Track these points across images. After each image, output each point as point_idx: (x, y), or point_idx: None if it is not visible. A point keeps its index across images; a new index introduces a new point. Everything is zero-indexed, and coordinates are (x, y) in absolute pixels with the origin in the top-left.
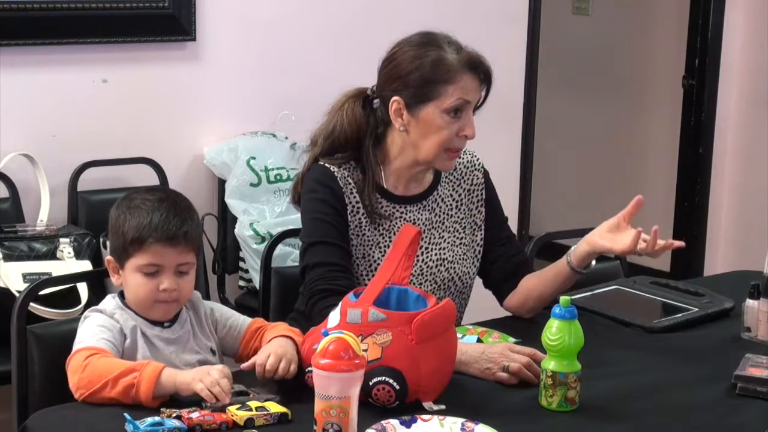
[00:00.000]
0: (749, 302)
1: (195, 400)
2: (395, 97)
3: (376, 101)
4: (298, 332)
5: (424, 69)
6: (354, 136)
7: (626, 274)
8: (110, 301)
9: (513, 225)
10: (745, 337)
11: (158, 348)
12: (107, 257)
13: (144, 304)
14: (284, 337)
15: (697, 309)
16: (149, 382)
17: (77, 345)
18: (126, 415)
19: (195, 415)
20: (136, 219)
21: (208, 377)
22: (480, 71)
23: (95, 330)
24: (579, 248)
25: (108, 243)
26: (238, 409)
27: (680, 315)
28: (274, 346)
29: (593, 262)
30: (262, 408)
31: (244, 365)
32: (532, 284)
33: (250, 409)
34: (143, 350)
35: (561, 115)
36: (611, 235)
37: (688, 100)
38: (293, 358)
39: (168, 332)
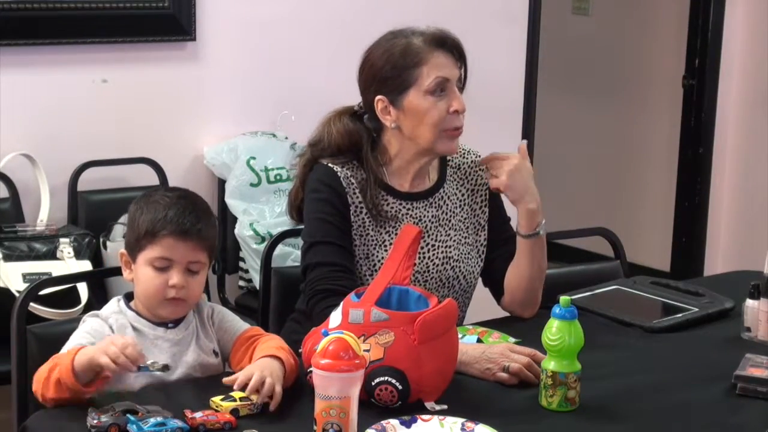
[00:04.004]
0: (749, 302)
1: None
2: (378, 97)
3: (365, 116)
4: (289, 350)
5: (395, 59)
6: (347, 144)
7: (626, 274)
8: (112, 304)
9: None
10: (745, 337)
11: (160, 349)
12: (121, 251)
13: (153, 300)
14: (272, 357)
15: (697, 309)
16: (67, 370)
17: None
18: (129, 416)
19: (198, 414)
20: (152, 213)
21: (112, 348)
22: (448, 46)
23: (78, 336)
24: (518, 217)
25: (106, 240)
26: (222, 400)
27: (680, 315)
28: (259, 367)
29: (542, 222)
30: (246, 398)
31: (226, 380)
32: (510, 275)
33: (234, 400)
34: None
35: (561, 115)
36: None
37: (688, 100)
38: (278, 380)
39: (172, 333)
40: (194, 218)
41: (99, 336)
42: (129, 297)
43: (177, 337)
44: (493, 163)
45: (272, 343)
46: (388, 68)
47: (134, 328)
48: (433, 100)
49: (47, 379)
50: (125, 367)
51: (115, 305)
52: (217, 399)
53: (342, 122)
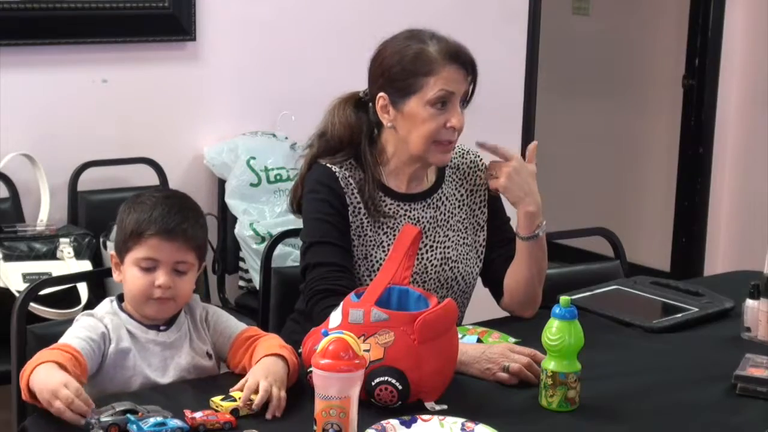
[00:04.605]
0: (749, 302)
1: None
2: (380, 94)
3: (370, 105)
4: (291, 349)
5: (405, 63)
6: (347, 137)
7: (626, 274)
8: (105, 305)
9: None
10: (745, 337)
11: (152, 352)
12: (111, 252)
13: (138, 299)
14: (275, 356)
15: (697, 309)
16: (24, 390)
17: None
18: (129, 416)
19: (198, 414)
20: (138, 213)
21: (57, 402)
22: (461, 61)
23: (76, 328)
24: (517, 219)
25: (106, 240)
26: (222, 400)
27: (680, 315)
28: (263, 373)
29: (543, 224)
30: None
31: (233, 390)
32: (509, 276)
33: (234, 400)
34: (134, 355)
35: (561, 115)
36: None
37: (688, 100)
38: (282, 386)
39: (164, 336)
40: (180, 218)
41: (97, 332)
42: (121, 298)
43: (169, 340)
44: (494, 163)
45: (273, 341)
46: (398, 70)
47: (128, 331)
48: (432, 111)
49: (21, 379)
50: (72, 421)
51: (108, 306)
52: (217, 399)
53: (345, 113)
